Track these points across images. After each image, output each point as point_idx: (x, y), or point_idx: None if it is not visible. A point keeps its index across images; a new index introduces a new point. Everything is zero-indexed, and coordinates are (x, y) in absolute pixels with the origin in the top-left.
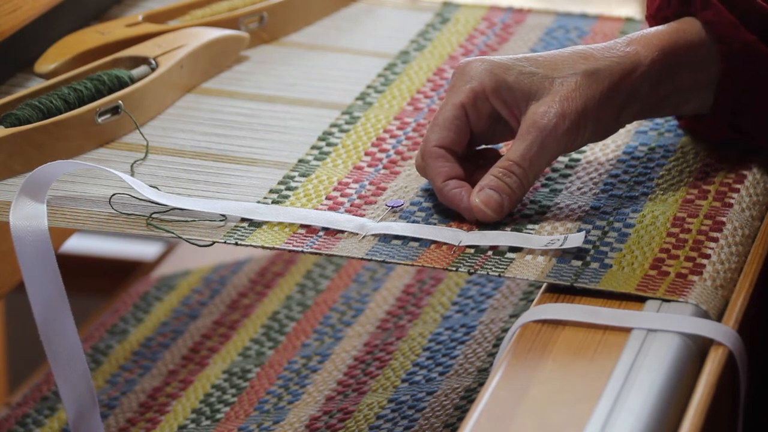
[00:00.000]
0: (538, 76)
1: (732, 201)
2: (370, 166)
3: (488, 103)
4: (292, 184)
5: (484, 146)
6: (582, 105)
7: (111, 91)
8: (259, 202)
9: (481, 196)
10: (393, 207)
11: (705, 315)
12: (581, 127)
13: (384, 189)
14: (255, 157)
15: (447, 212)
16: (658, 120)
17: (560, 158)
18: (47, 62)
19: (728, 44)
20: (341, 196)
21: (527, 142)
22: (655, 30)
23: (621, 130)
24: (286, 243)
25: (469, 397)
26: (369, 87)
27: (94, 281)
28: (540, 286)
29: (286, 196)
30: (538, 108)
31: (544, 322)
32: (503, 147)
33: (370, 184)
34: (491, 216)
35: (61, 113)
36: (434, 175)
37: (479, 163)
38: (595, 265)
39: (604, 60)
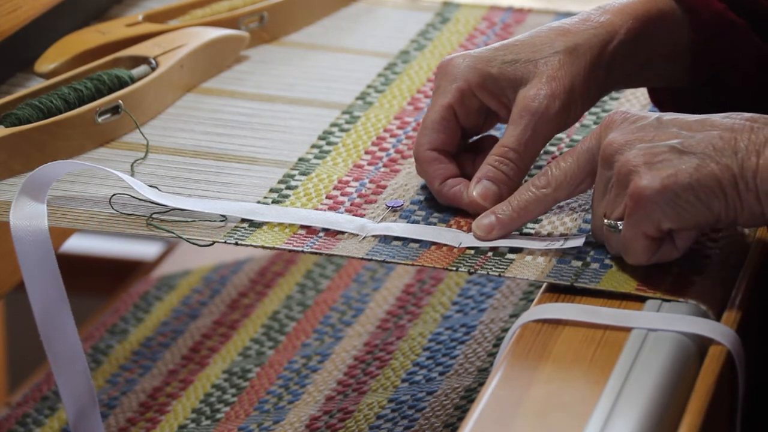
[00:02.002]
0: (520, 62)
1: None
2: (370, 164)
3: (476, 98)
4: (293, 183)
5: (480, 136)
6: (569, 83)
7: (111, 90)
8: (259, 201)
9: (478, 189)
10: (393, 207)
11: (705, 315)
12: (572, 104)
13: (384, 187)
14: (255, 156)
15: (447, 211)
16: None
17: None
18: (47, 62)
19: (697, 14)
20: (341, 194)
21: (521, 127)
22: (627, 0)
23: None
24: (287, 243)
25: (469, 397)
26: (369, 87)
27: (94, 281)
28: (540, 286)
29: (287, 196)
30: (528, 92)
31: (544, 322)
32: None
33: (371, 182)
34: (491, 207)
35: (61, 113)
36: (431, 178)
37: (477, 152)
38: (595, 265)
39: (582, 33)
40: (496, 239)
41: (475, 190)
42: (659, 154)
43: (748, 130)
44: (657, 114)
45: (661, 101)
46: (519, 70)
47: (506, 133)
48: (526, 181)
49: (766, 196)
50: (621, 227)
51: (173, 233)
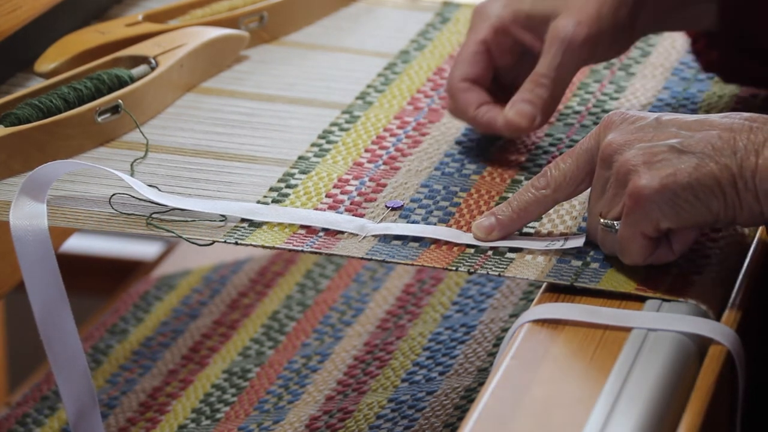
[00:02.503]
0: None
1: None
2: (370, 162)
3: (509, 37)
4: (293, 182)
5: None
6: (596, 11)
7: (111, 90)
8: (259, 200)
9: (513, 109)
10: (392, 208)
11: (705, 315)
12: (600, 36)
13: (384, 186)
14: (255, 155)
15: (447, 210)
16: None
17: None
18: (47, 62)
19: None
20: (341, 193)
21: (551, 54)
22: None
23: None
24: (286, 242)
25: (469, 396)
26: (369, 86)
27: (94, 281)
28: (540, 286)
29: (287, 195)
30: (558, 22)
31: (544, 321)
32: None
33: (370, 180)
34: (525, 127)
35: (61, 112)
36: (465, 106)
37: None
38: (595, 264)
39: None
40: (496, 240)
41: (511, 111)
42: (658, 153)
43: (747, 129)
44: (656, 114)
45: (699, 50)
46: (550, 4)
47: (539, 62)
48: (525, 183)
49: (765, 196)
50: (618, 227)
51: (173, 233)
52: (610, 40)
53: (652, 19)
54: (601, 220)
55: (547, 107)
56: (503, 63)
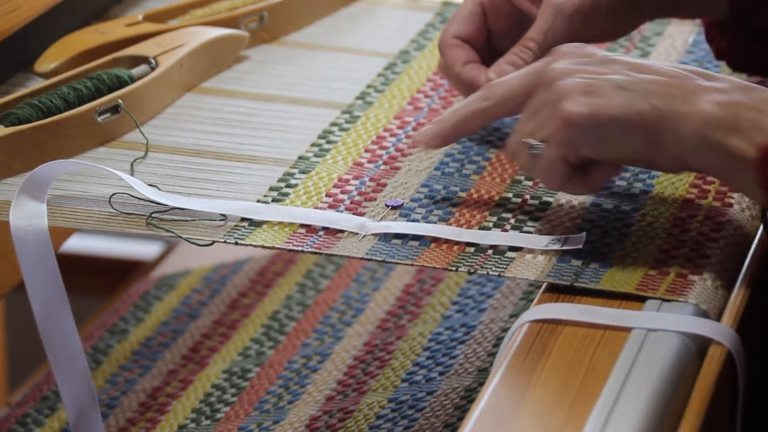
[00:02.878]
0: None
1: (732, 201)
2: (370, 162)
3: (507, 1)
4: (293, 182)
5: None
6: None
7: (111, 90)
8: (259, 200)
9: (494, 69)
10: (392, 207)
11: (705, 315)
12: (593, 9)
13: (384, 185)
14: (255, 155)
15: (446, 210)
16: None
17: None
18: (47, 62)
19: None
20: (341, 193)
21: (542, 20)
22: None
23: None
24: (286, 242)
25: (469, 397)
26: (369, 86)
27: (94, 281)
28: (540, 286)
29: (287, 194)
30: None
31: (544, 321)
32: None
33: (371, 180)
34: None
35: (61, 112)
36: (451, 62)
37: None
38: (595, 264)
39: None
40: (436, 148)
41: (494, 69)
42: (596, 86)
43: (685, 78)
44: (607, 52)
45: (712, 38)
46: None
47: (531, 28)
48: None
49: (687, 142)
50: (540, 149)
51: (173, 233)
52: (606, 11)
53: (660, 4)
54: (529, 140)
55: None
56: (498, 28)
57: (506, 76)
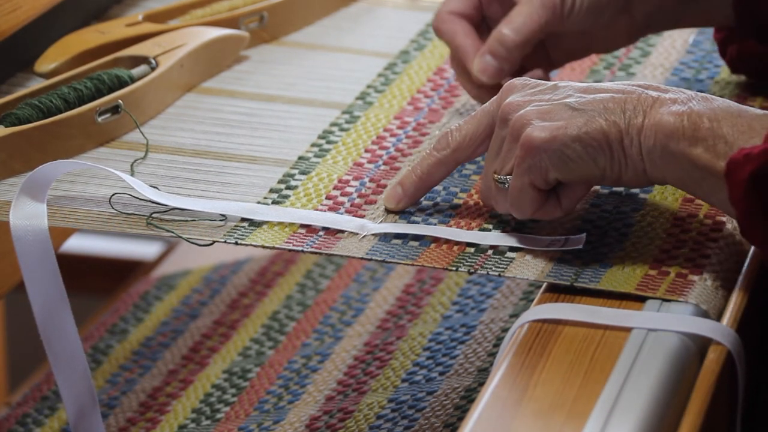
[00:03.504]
0: None
1: None
2: (370, 162)
3: None
4: (293, 183)
5: None
6: None
7: (111, 90)
8: (259, 202)
9: (478, 64)
10: None
11: (705, 315)
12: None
13: (384, 186)
14: (255, 155)
15: (446, 210)
16: None
17: None
18: (47, 62)
19: None
20: (341, 194)
21: (521, 5)
22: None
23: None
24: (286, 242)
25: (469, 397)
26: (369, 86)
27: (94, 281)
28: (540, 286)
29: (287, 196)
30: None
31: (544, 321)
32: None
33: (371, 181)
34: (486, 80)
35: (61, 113)
36: (451, 34)
37: None
38: (595, 264)
39: None
40: (405, 208)
41: (477, 65)
42: (552, 110)
43: (638, 93)
44: (555, 81)
45: (720, 39)
46: None
47: (511, 12)
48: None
49: (647, 153)
50: (508, 182)
51: (173, 233)
52: (585, 10)
53: (658, 10)
54: (495, 176)
55: (513, 59)
56: (493, 13)
57: (462, 123)
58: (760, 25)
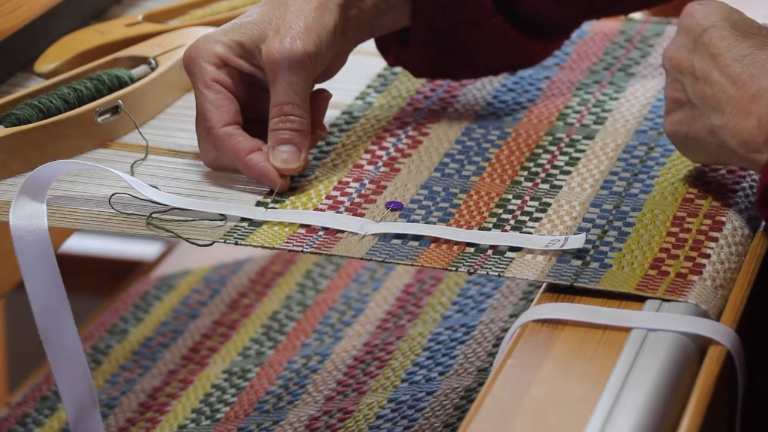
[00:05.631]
0: (255, 22)
1: (732, 201)
2: (370, 163)
3: (233, 69)
4: (293, 184)
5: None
6: (303, 23)
7: (111, 90)
8: (259, 202)
9: (277, 157)
10: (392, 208)
11: (705, 315)
12: (316, 44)
13: (384, 187)
14: None
15: (446, 211)
16: (658, 120)
17: (560, 156)
18: (47, 62)
19: None
20: (341, 195)
21: (279, 81)
22: None
23: (621, 130)
24: (286, 243)
25: (469, 397)
26: (369, 87)
27: (94, 281)
28: (540, 286)
29: (287, 196)
30: (269, 46)
31: (544, 321)
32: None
33: (370, 182)
34: (296, 167)
35: (61, 113)
36: (237, 151)
37: (262, 123)
38: (594, 264)
39: None
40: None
41: (276, 160)
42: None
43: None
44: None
45: (387, 48)
46: (257, 29)
47: (272, 93)
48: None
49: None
50: None
51: (173, 233)
52: (326, 47)
53: (360, 23)
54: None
55: (305, 133)
56: (239, 95)
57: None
58: (435, 30)
